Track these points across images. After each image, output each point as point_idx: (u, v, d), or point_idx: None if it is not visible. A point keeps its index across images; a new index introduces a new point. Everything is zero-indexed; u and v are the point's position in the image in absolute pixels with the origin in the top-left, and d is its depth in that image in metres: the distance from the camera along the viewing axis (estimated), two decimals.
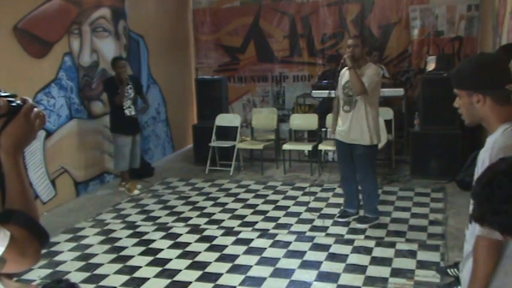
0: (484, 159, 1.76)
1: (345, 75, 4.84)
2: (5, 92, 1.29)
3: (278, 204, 5.76)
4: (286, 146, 7.04)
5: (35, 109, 1.31)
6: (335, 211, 5.38)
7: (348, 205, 5.17)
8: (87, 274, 4.14)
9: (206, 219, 5.34)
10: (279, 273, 4.05)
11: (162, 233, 4.98)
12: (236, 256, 4.39)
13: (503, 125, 1.81)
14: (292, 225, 5.09)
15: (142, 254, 4.52)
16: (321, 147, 6.76)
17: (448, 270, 3.82)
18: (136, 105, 6.35)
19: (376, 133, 4.80)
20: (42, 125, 1.32)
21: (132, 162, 6.41)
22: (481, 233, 1.75)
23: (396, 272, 3.97)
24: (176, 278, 4.02)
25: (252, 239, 4.75)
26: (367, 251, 4.39)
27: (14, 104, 1.28)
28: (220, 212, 5.56)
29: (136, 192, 6.32)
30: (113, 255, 4.50)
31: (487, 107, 1.83)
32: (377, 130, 4.84)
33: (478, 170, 1.79)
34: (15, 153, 1.26)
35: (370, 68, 4.75)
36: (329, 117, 6.48)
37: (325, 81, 7.48)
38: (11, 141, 1.25)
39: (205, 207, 5.73)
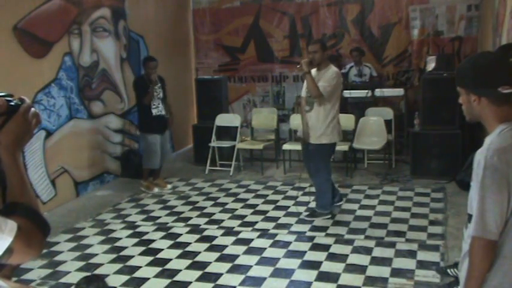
0: (480, 160, 1.76)
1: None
2: (1, 92, 1.33)
3: (278, 204, 5.76)
4: (286, 146, 7.04)
5: (32, 109, 1.36)
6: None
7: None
8: (87, 274, 4.13)
9: (206, 219, 5.34)
10: (279, 273, 4.05)
11: (162, 233, 4.98)
12: (236, 256, 4.38)
13: (501, 125, 1.80)
14: (292, 225, 5.09)
15: (142, 254, 4.52)
16: None
17: (448, 270, 3.82)
18: (164, 104, 6.38)
19: (331, 133, 4.97)
20: (38, 124, 1.38)
21: (161, 160, 6.48)
22: (476, 233, 1.75)
23: (396, 272, 3.97)
24: (176, 278, 4.02)
25: (252, 239, 4.75)
26: (367, 251, 4.39)
27: (12, 103, 1.33)
28: (220, 212, 5.56)
29: (169, 186, 6.43)
30: (113, 255, 4.50)
31: (483, 107, 1.83)
32: (333, 130, 4.99)
33: (474, 171, 1.79)
34: (14, 150, 1.32)
35: (329, 71, 4.91)
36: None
37: None
38: (10, 139, 1.30)
39: (205, 207, 5.73)
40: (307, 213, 5.32)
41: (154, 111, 6.22)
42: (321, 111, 4.94)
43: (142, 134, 6.43)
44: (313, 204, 5.45)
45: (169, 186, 6.51)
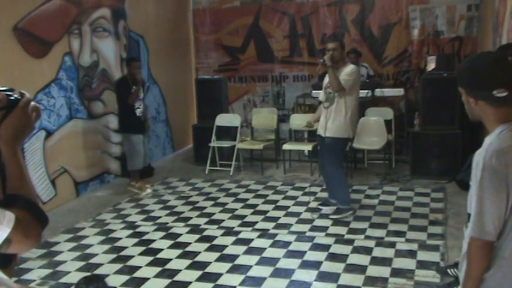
0: (478, 160, 1.75)
1: (326, 76, 5.19)
2: (2, 87, 1.36)
3: (278, 204, 5.76)
4: (286, 146, 7.04)
5: (32, 103, 1.39)
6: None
7: (329, 195, 5.45)
8: (87, 274, 4.13)
9: (206, 219, 5.34)
10: (279, 273, 4.05)
11: (162, 233, 4.98)
12: (236, 256, 4.38)
13: (500, 126, 1.78)
14: (292, 225, 5.09)
15: (142, 254, 4.52)
16: None
17: (448, 270, 3.82)
18: (145, 105, 6.41)
19: (349, 127, 5.10)
20: (38, 118, 1.40)
21: (144, 161, 6.47)
22: (473, 233, 1.75)
23: (396, 272, 3.97)
24: (176, 278, 4.02)
25: (252, 239, 4.75)
26: (367, 251, 4.39)
27: (12, 98, 1.35)
28: (220, 212, 5.56)
29: (149, 191, 6.34)
30: (113, 255, 4.50)
31: (481, 108, 1.82)
32: (351, 125, 5.11)
33: (473, 171, 1.79)
34: (14, 143, 1.34)
35: (348, 67, 5.08)
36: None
37: None
38: (10, 132, 1.33)
39: (205, 207, 5.73)
40: (331, 211, 5.27)
41: (137, 112, 6.23)
42: (342, 104, 5.03)
43: (125, 135, 6.37)
44: (313, 204, 5.46)
45: (149, 190, 6.36)
